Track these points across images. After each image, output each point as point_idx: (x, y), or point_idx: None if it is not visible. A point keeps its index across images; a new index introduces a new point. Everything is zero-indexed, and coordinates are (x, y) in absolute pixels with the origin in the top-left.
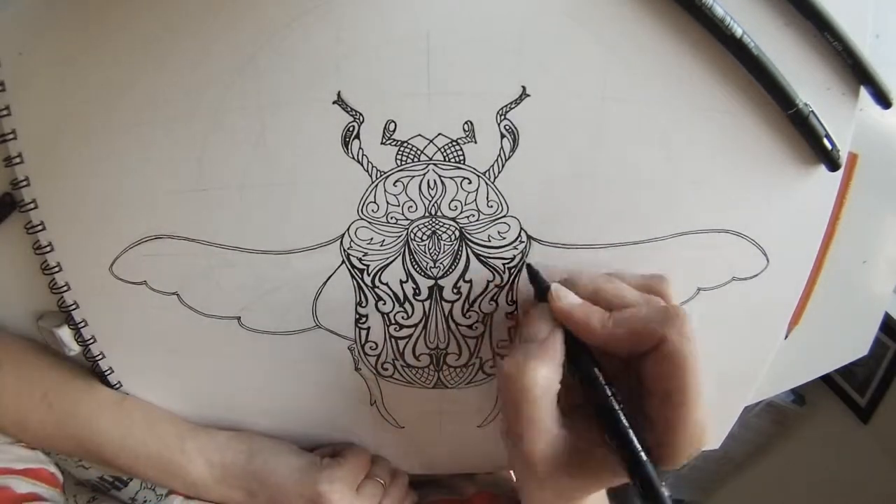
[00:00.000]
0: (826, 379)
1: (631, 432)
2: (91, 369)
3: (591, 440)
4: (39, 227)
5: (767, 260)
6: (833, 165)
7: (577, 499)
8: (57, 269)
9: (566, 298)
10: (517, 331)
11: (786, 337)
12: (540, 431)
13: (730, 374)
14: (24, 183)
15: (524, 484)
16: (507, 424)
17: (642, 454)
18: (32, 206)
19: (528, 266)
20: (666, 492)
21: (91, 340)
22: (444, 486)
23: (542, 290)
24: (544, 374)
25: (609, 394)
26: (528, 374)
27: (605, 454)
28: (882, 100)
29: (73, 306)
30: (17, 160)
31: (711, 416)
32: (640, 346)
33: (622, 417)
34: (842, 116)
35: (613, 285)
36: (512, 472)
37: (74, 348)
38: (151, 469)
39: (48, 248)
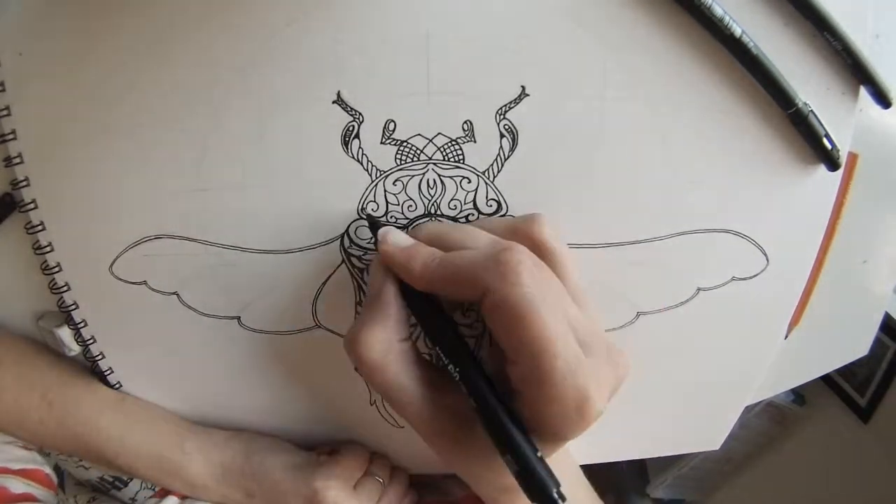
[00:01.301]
0: (826, 379)
1: (487, 389)
2: (91, 369)
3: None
4: (39, 228)
5: (767, 260)
6: (833, 165)
7: (483, 476)
8: (57, 269)
9: (392, 240)
10: None
11: (786, 337)
12: (400, 398)
13: (730, 374)
14: (24, 183)
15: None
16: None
17: (507, 418)
18: (32, 206)
19: (368, 215)
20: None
21: (91, 340)
22: (434, 487)
23: (376, 237)
24: (376, 338)
25: (451, 337)
26: (358, 343)
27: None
28: (882, 99)
29: (73, 306)
30: (17, 160)
31: (583, 373)
32: (467, 294)
33: (472, 373)
34: (841, 116)
35: (460, 230)
36: None
37: (74, 348)
38: (151, 469)
39: (48, 249)
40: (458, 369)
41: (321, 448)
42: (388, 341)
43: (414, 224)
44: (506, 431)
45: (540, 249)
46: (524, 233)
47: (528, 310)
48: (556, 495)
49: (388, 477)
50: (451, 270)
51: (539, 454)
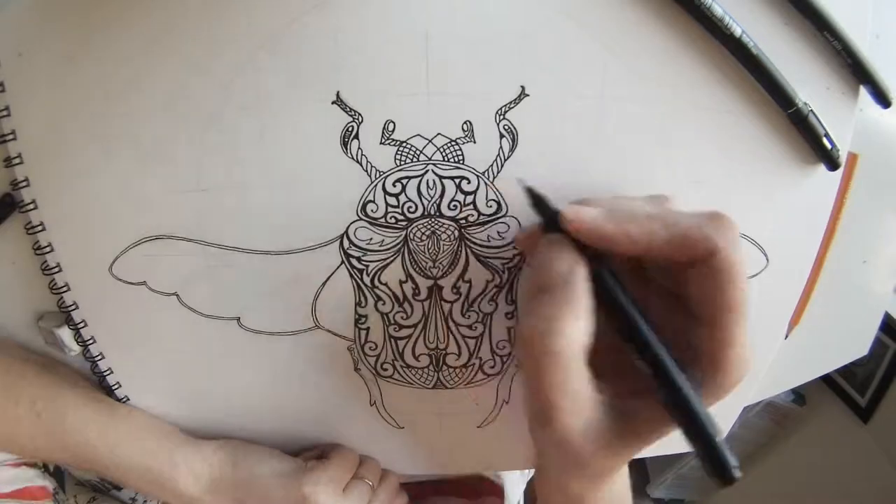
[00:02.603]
0: (826, 379)
1: (672, 371)
2: (91, 370)
3: (628, 396)
4: (39, 228)
5: (767, 259)
6: (832, 165)
7: (615, 469)
8: (57, 269)
9: (586, 213)
10: (522, 279)
11: (786, 337)
12: (576, 403)
13: None
14: (24, 184)
15: (559, 474)
16: (534, 404)
17: (686, 386)
18: (32, 206)
19: (530, 189)
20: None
21: (91, 341)
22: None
23: (551, 215)
24: (574, 328)
25: (644, 326)
26: (555, 334)
27: (645, 408)
28: (881, 99)
29: (73, 307)
30: (17, 161)
31: (750, 349)
32: (685, 254)
33: (663, 355)
34: (841, 116)
35: (624, 200)
36: (538, 465)
37: (74, 349)
38: (142, 481)
39: (48, 249)
40: (652, 358)
41: (308, 453)
42: (581, 333)
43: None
44: (698, 414)
45: None
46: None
47: (742, 272)
48: (736, 472)
49: (378, 480)
50: (679, 231)
51: (722, 434)
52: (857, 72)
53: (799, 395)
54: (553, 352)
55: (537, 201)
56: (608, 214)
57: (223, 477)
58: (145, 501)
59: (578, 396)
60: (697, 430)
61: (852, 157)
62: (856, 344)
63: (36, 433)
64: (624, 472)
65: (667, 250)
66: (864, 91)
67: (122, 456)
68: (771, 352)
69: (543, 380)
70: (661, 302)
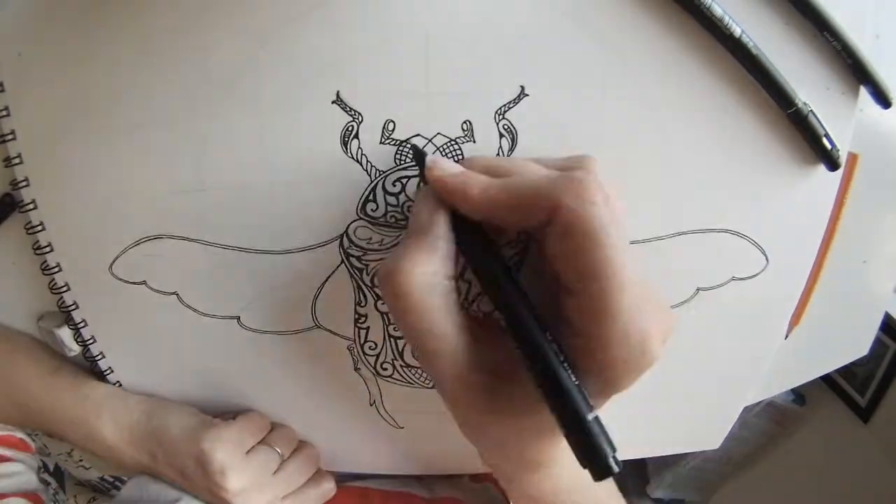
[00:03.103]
0: (826, 379)
1: (543, 337)
2: (91, 369)
3: (510, 356)
4: (39, 228)
5: (767, 260)
6: (832, 165)
7: (500, 434)
8: (57, 269)
9: (443, 167)
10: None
11: (786, 337)
12: (436, 339)
13: (729, 374)
14: (24, 183)
15: (457, 422)
16: (406, 337)
17: (564, 369)
18: (32, 206)
19: (413, 146)
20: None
21: (91, 340)
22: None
23: (423, 166)
24: (422, 269)
25: (503, 277)
26: (402, 272)
27: (522, 376)
28: (882, 99)
29: (73, 306)
30: (17, 161)
31: (654, 315)
32: (531, 217)
33: (528, 320)
34: (841, 116)
35: (512, 161)
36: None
37: (74, 348)
38: (76, 434)
39: (48, 249)
40: (508, 311)
41: (224, 415)
42: (434, 275)
43: (464, 159)
44: (561, 383)
45: None
46: (576, 166)
47: (602, 230)
48: (612, 462)
49: (289, 450)
50: (517, 192)
51: (594, 414)
52: (857, 72)
53: (799, 395)
54: (401, 291)
55: (418, 157)
56: (459, 174)
57: (139, 429)
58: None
59: (436, 333)
60: (562, 405)
61: (852, 157)
62: (856, 344)
63: None
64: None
65: (512, 215)
66: (864, 91)
67: (59, 408)
68: (771, 352)
69: (402, 318)
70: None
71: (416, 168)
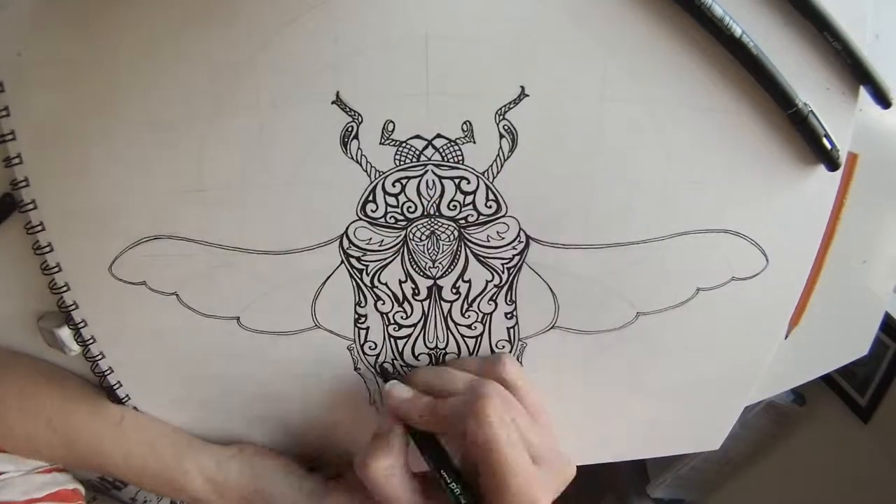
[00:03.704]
0: (826, 379)
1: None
2: (91, 370)
3: None
4: (39, 228)
5: (767, 260)
6: (832, 165)
7: None
8: (56, 269)
9: (396, 395)
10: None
11: (786, 337)
12: (397, 502)
13: (729, 374)
14: (24, 183)
15: None
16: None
17: None
18: (32, 206)
19: (381, 366)
20: None
21: (91, 341)
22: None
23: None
24: (382, 465)
25: (443, 476)
26: (368, 468)
27: None
28: (881, 100)
29: (73, 306)
30: (17, 161)
31: (543, 484)
32: (454, 431)
33: (454, 488)
34: (841, 116)
35: (441, 376)
36: None
37: (74, 349)
38: (157, 486)
39: (48, 249)
40: (449, 483)
41: (325, 470)
42: (391, 467)
43: (410, 373)
44: None
45: (506, 385)
46: (494, 373)
47: (495, 445)
48: None
49: None
50: (440, 417)
51: None
52: (857, 72)
53: (799, 395)
54: (368, 478)
55: (382, 373)
56: (408, 399)
57: (239, 486)
58: (145, 501)
59: (399, 500)
60: None
61: (852, 157)
62: (856, 344)
63: (55, 447)
64: None
65: (441, 430)
66: (863, 91)
67: (134, 464)
68: (770, 352)
69: (374, 493)
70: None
71: (416, 169)
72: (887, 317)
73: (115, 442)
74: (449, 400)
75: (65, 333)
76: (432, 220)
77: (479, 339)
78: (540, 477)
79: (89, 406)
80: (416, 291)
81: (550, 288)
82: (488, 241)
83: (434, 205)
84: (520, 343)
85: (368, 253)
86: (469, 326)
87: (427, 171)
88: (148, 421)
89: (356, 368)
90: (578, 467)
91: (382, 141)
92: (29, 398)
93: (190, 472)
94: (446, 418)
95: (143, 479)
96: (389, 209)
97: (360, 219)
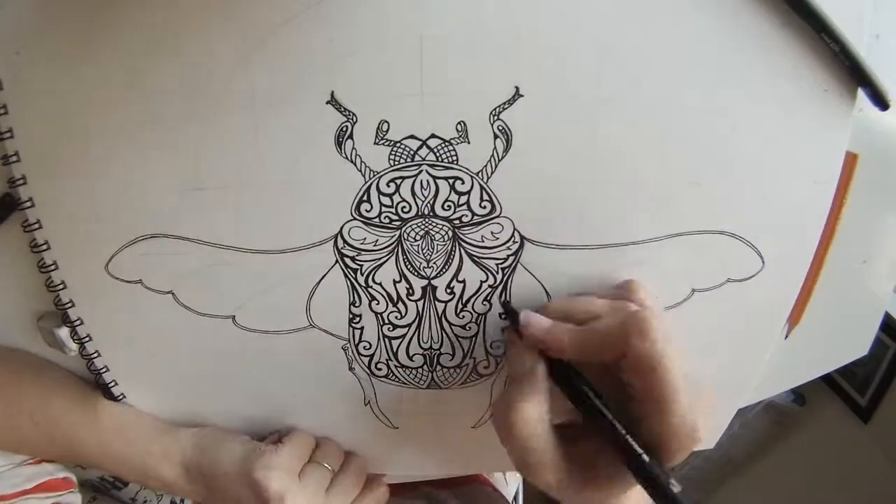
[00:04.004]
0: (826, 379)
1: (630, 439)
2: (87, 368)
3: (594, 452)
4: (36, 226)
5: (763, 262)
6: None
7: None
8: (53, 267)
9: (536, 323)
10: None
11: (786, 337)
12: (541, 464)
13: (724, 375)
14: (21, 181)
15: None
16: (510, 456)
17: (644, 456)
18: (29, 204)
19: (504, 303)
20: (676, 487)
21: (86, 339)
22: (424, 494)
23: (516, 322)
24: (529, 412)
25: (601, 406)
26: (513, 416)
27: (611, 462)
28: (879, 102)
29: (69, 304)
30: (14, 158)
31: (700, 409)
32: (611, 355)
33: (619, 427)
34: (839, 117)
35: (581, 301)
36: None
37: (73, 348)
38: (131, 473)
39: (44, 247)
40: (599, 422)
41: (269, 437)
42: (537, 415)
43: (541, 306)
44: (641, 462)
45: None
46: (627, 295)
47: (661, 363)
48: (671, 486)
49: (338, 463)
50: (598, 338)
51: (671, 479)
52: (855, 74)
53: (799, 395)
54: (510, 426)
55: (510, 310)
56: (550, 327)
57: (192, 465)
58: (145, 501)
59: (541, 459)
60: (658, 490)
61: (852, 157)
62: (856, 344)
63: (37, 439)
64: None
65: (595, 356)
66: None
67: (109, 452)
68: (766, 353)
69: (513, 448)
70: (618, 388)
71: (411, 169)
72: (887, 317)
73: (90, 430)
74: (603, 320)
75: (64, 333)
76: (426, 220)
77: (474, 339)
78: (697, 402)
79: (67, 396)
80: (411, 291)
81: (545, 288)
82: (483, 241)
83: (428, 205)
84: None
85: (363, 253)
86: (463, 327)
87: (421, 171)
88: (123, 409)
89: (350, 368)
90: None
91: (377, 141)
92: (12, 392)
93: (156, 455)
94: (604, 340)
95: (119, 466)
96: (384, 209)
97: (355, 218)
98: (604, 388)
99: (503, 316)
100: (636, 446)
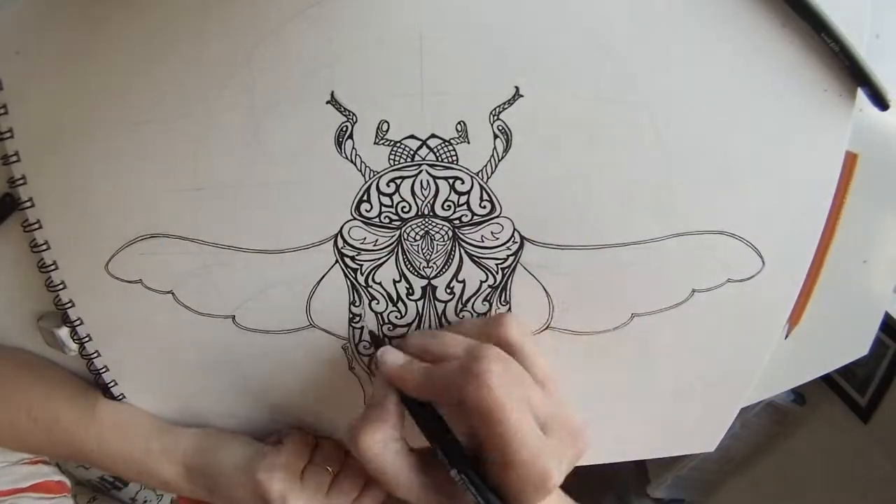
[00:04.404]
0: (826, 379)
1: (471, 488)
2: (86, 368)
3: (450, 479)
4: (36, 226)
5: (763, 262)
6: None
7: None
8: (53, 267)
9: (389, 360)
10: None
11: (786, 337)
12: (395, 484)
13: (724, 376)
14: (21, 181)
15: None
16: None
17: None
18: (29, 204)
19: (371, 332)
20: None
21: (86, 339)
22: None
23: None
24: (373, 436)
25: (441, 453)
26: (360, 439)
27: (457, 494)
28: (879, 102)
29: (69, 304)
30: (14, 158)
31: (558, 453)
32: (451, 399)
33: (456, 476)
34: (839, 117)
35: (438, 340)
36: None
37: (73, 348)
38: (130, 472)
39: (44, 247)
40: (447, 456)
41: (269, 438)
42: (384, 440)
43: (399, 336)
44: (486, 497)
45: (508, 348)
46: (494, 335)
47: (497, 413)
48: None
49: (338, 464)
50: (436, 384)
51: None
52: (854, 74)
53: (799, 395)
54: (355, 447)
55: (373, 338)
56: (402, 365)
57: (193, 465)
58: (145, 501)
59: (393, 479)
60: None
61: (852, 157)
62: (856, 344)
63: (36, 435)
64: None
65: (436, 398)
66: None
67: (108, 450)
68: (766, 354)
69: (366, 467)
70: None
71: (411, 169)
72: (887, 317)
73: (89, 428)
74: (445, 365)
75: (64, 333)
76: (426, 220)
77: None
78: (550, 446)
79: (67, 394)
80: (411, 291)
81: (545, 288)
82: (482, 241)
83: (428, 205)
84: None
85: (363, 252)
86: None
87: (421, 171)
88: (123, 408)
89: (351, 368)
90: (577, 467)
91: (377, 141)
92: (10, 388)
93: (156, 454)
94: (443, 385)
95: (117, 465)
96: (384, 209)
97: (355, 218)
98: (461, 427)
99: (368, 346)
100: (476, 495)
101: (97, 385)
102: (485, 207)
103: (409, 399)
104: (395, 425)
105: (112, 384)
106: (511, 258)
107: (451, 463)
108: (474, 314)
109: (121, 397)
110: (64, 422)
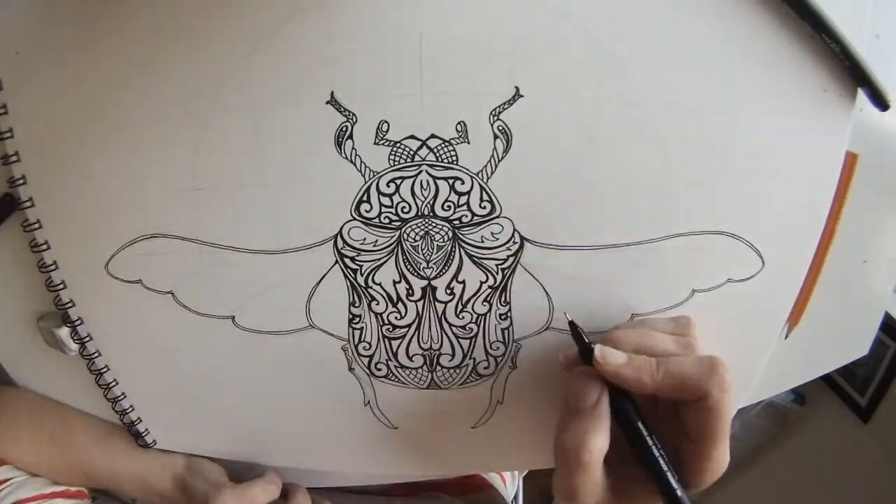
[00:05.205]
0: (826, 379)
1: (670, 475)
2: (87, 368)
3: (629, 479)
4: (36, 225)
5: (763, 262)
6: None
7: None
8: (53, 266)
9: (612, 358)
10: (565, 391)
11: (786, 337)
12: (591, 491)
13: None
14: (21, 181)
15: None
16: (561, 483)
17: (678, 491)
18: (29, 204)
19: (572, 324)
20: None
21: (87, 339)
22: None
23: (586, 351)
24: (598, 444)
25: (652, 443)
26: (585, 448)
27: (644, 491)
28: (879, 102)
29: (70, 304)
30: (14, 158)
31: (727, 455)
32: (685, 396)
33: (663, 463)
34: (839, 117)
35: (651, 337)
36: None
37: (73, 348)
38: (136, 492)
39: (44, 247)
40: (644, 457)
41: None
42: (603, 446)
43: (603, 332)
44: (675, 494)
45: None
46: (685, 332)
47: (728, 412)
48: None
49: None
50: (679, 379)
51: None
52: (854, 74)
53: (799, 395)
54: (583, 462)
55: (576, 334)
56: (628, 362)
57: (185, 480)
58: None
59: (593, 487)
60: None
61: (852, 157)
62: (856, 344)
63: (55, 457)
64: None
65: (671, 393)
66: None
67: (118, 468)
68: (766, 354)
69: (574, 478)
70: (665, 417)
71: (411, 169)
72: (887, 317)
73: (102, 451)
74: (681, 360)
75: (64, 333)
76: (426, 220)
77: (474, 340)
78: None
79: (85, 419)
80: (410, 292)
81: (545, 289)
82: (482, 241)
83: (428, 205)
84: (514, 344)
85: (362, 253)
86: (463, 327)
87: (421, 171)
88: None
89: (350, 369)
90: None
91: (377, 141)
92: (37, 413)
93: (158, 470)
94: (682, 383)
95: (125, 483)
96: (383, 209)
97: (354, 219)
98: (648, 418)
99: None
100: (674, 481)
101: (97, 386)
102: (485, 208)
103: (617, 395)
104: (607, 430)
105: (113, 384)
106: (511, 259)
107: (656, 447)
108: (474, 315)
109: (121, 397)
110: (80, 442)
